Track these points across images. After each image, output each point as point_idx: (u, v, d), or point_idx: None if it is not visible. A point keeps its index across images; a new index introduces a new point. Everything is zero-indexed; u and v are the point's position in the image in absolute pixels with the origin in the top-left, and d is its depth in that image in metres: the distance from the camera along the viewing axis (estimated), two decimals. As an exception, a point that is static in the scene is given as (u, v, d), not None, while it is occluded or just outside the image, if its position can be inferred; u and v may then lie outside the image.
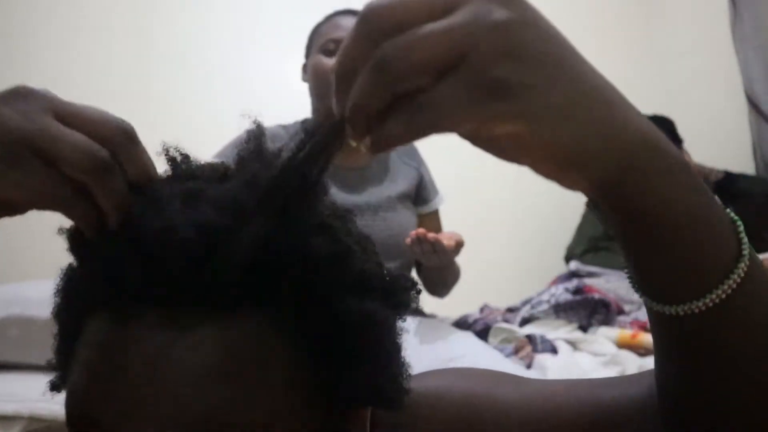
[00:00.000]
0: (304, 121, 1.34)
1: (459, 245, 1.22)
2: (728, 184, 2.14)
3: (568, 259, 2.32)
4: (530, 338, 1.54)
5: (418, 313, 1.44)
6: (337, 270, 0.33)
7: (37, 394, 1.22)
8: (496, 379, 0.45)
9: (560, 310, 1.78)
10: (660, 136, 0.29)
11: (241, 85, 2.36)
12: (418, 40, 0.24)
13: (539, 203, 2.65)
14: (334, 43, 1.29)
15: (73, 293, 0.36)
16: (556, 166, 0.27)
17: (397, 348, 0.37)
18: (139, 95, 2.29)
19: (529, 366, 1.42)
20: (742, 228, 0.31)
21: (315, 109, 1.37)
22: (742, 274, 0.29)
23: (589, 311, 1.77)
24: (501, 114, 0.24)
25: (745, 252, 0.30)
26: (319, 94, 1.33)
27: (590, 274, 2.01)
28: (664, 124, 2.26)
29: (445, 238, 1.18)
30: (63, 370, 0.38)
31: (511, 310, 1.92)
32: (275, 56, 2.29)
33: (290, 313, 0.32)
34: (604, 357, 1.47)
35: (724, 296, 0.29)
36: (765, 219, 2.10)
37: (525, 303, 1.92)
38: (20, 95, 0.32)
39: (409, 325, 1.33)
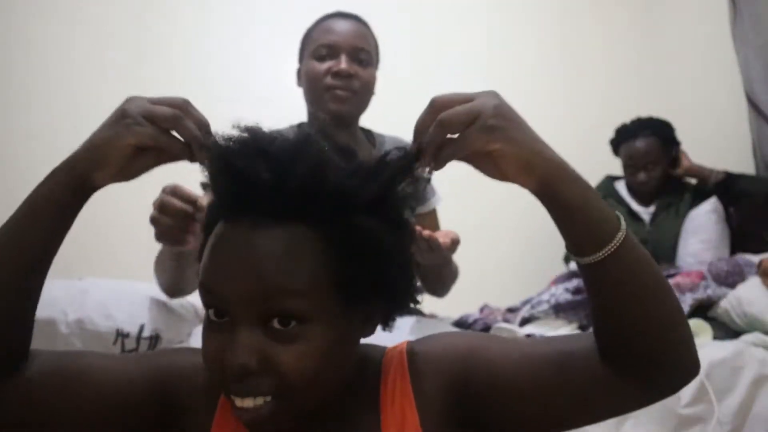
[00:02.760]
0: (300, 125, 1.35)
1: (455, 243, 1.22)
2: (728, 185, 2.14)
3: (567, 259, 2.32)
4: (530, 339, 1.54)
5: (417, 312, 1.44)
6: (357, 204, 0.54)
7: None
8: (488, 337, 0.66)
9: (560, 310, 1.78)
10: (565, 162, 0.56)
11: (239, 85, 2.36)
12: (457, 113, 0.55)
13: (539, 204, 2.64)
14: (326, 48, 1.32)
15: (209, 210, 0.60)
16: (518, 169, 0.56)
17: (400, 259, 0.58)
18: (138, 92, 2.28)
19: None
20: (621, 216, 0.56)
21: (310, 114, 1.39)
22: (621, 239, 0.54)
23: (589, 311, 1.77)
24: (493, 139, 0.55)
25: (622, 226, 0.55)
26: (313, 99, 1.35)
27: (590, 274, 2.01)
28: (663, 127, 2.26)
29: (441, 235, 1.19)
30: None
31: (511, 310, 1.92)
32: (274, 56, 2.29)
33: (324, 228, 0.54)
34: (604, 357, 1.47)
35: (611, 250, 0.54)
36: (765, 219, 2.10)
37: (525, 303, 1.92)
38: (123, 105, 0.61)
39: (407, 324, 1.32)
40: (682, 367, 0.57)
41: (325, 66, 1.32)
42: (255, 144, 0.55)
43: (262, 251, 0.52)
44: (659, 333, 0.55)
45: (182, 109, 0.60)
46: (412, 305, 0.62)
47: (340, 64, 1.31)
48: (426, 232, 1.14)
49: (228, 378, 0.52)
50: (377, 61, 1.43)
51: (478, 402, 0.59)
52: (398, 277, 0.58)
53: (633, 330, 0.55)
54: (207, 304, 0.55)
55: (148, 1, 2.38)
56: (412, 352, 0.63)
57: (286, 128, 1.36)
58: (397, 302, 0.60)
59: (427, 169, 0.58)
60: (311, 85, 1.34)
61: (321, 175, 0.53)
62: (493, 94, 0.56)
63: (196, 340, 1.16)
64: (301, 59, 1.42)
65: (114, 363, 0.61)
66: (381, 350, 0.66)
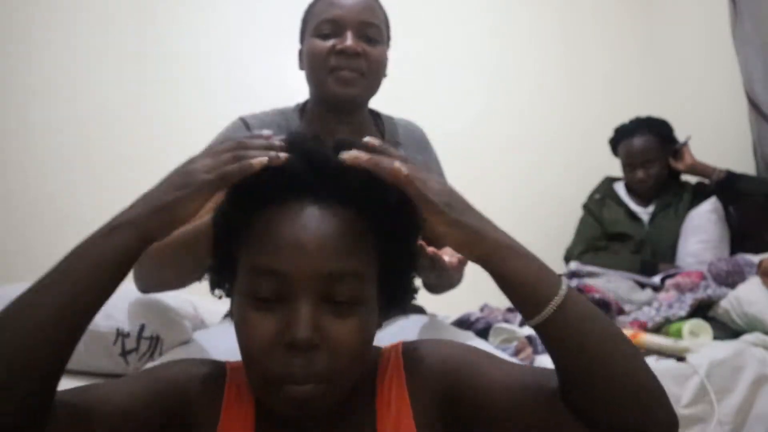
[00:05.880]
0: (303, 108, 1.28)
1: (462, 263, 1.06)
2: (729, 184, 2.14)
3: (567, 259, 2.31)
4: (530, 339, 1.54)
5: (418, 310, 1.43)
6: (396, 205, 0.60)
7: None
8: (479, 354, 0.67)
9: (560, 310, 1.78)
10: (505, 237, 0.62)
11: (238, 81, 2.36)
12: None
13: (539, 204, 2.65)
14: (330, 24, 1.19)
15: (244, 198, 0.61)
16: (464, 242, 0.60)
17: (415, 255, 0.67)
18: (137, 92, 2.28)
19: (529, 366, 1.41)
20: (563, 279, 0.60)
21: (314, 97, 1.27)
22: (561, 298, 0.57)
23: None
24: (444, 218, 0.58)
25: (564, 286, 0.59)
26: (316, 82, 1.22)
27: (590, 274, 2.01)
28: (660, 126, 2.26)
29: (447, 253, 1.01)
30: (228, 255, 0.63)
31: (511, 309, 1.92)
32: (273, 53, 2.29)
33: (370, 213, 0.60)
34: (604, 357, 1.47)
35: (553, 310, 0.57)
36: (765, 219, 2.10)
37: (525, 303, 1.92)
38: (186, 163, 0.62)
39: (406, 323, 1.32)
40: (649, 419, 0.55)
41: (328, 44, 1.18)
42: (311, 138, 0.62)
43: (329, 230, 0.57)
44: (612, 384, 0.55)
45: (239, 145, 0.60)
46: (407, 303, 0.67)
47: (345, 42, 1.16)
48: (430, 249, 0.97)
49: (281, 360, 0.55)
50: (388, 39, 1.27)
51: (464, 414, 0.63)
52: (409, 271, 0.66)
53: (585, 382, 0.56)
54: (259, 284, 0.57)
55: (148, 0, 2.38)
56: (409, 355, 0.66)
57: (251, 116, 1.25)
58: (398, 298, 0.66)
59: None
60: (313, 65, 1.21)
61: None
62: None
63: (200, 338, 1.16)
64: (302, 39, 1.28)
65: (119, 394, 0.59)
66: (376, 350, 0.68)
